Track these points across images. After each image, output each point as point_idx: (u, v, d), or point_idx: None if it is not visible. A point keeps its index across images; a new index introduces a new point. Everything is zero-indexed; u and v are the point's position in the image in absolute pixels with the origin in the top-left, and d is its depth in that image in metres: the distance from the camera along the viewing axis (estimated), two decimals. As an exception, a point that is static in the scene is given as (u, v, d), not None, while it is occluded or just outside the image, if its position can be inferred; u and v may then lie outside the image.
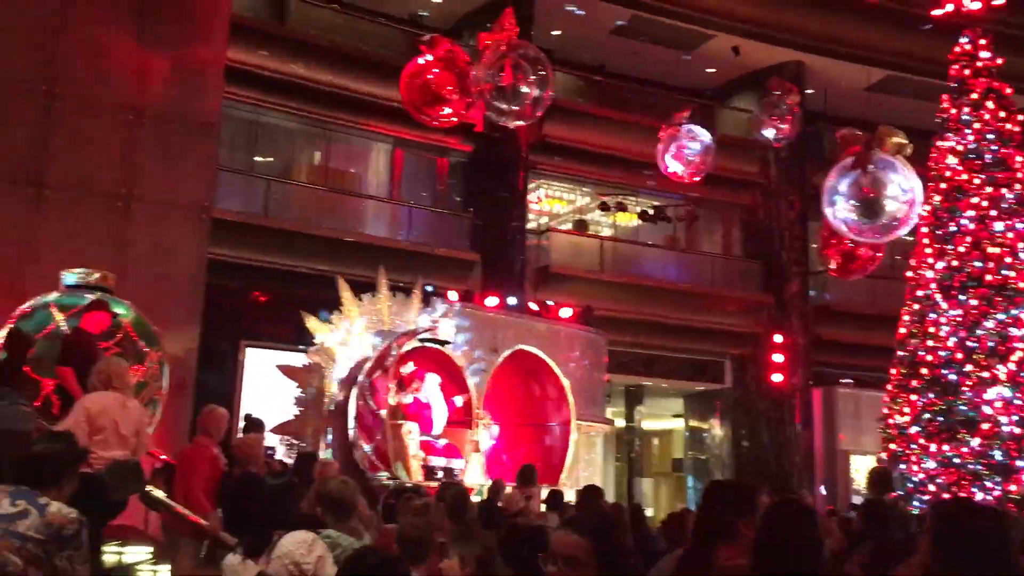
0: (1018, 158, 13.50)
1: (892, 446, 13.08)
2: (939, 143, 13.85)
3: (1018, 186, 13.32)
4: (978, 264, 12.94)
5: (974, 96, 13.77)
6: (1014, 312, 12.69)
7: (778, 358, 20.22)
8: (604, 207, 20.65)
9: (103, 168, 9.98)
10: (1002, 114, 13.65)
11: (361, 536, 4.69)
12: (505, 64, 8.97)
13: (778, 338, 20.35)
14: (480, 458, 11.58)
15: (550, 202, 21.64)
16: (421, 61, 9.67)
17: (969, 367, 12.53)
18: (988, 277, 12.85)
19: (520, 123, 9.73)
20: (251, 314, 16.75)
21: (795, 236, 21.30)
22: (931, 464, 12.53)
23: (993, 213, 13.12)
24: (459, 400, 11.71)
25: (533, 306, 15.30)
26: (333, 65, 17.28)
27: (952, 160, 13.56)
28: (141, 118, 10.17)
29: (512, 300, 15.02)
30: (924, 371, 12.90)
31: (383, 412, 10.34)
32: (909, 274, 13.84)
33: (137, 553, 8.14)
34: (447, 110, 9.73)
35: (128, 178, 10.04)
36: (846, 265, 11.31)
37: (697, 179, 12.22)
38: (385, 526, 5.50)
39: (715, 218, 22.76)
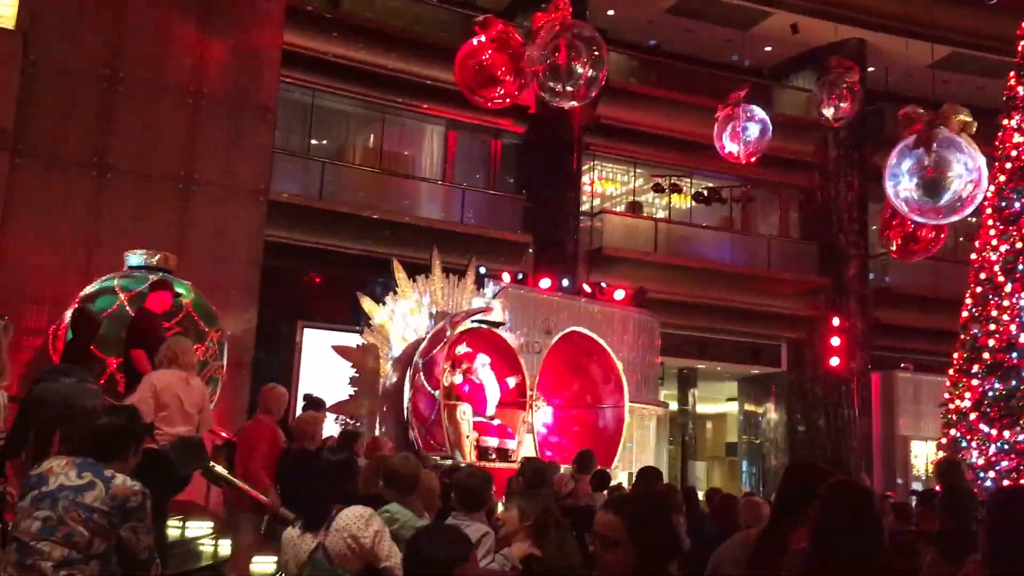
0: (1087, 137, 13.06)
1: (952, 431, 12.82)
2: (1005, 122, 13.46)
3: (1087, 165, 12.89)
4: (1044, 245, 12.57)
5: (1042, 73, 13.35)
6: (1080, 295, 12.31)
7: (835, 342, 19.93)
8: (658, 188, 20.48)
9: (164, 151, 10.18)
10: (1071, 92, 13.21)
11: (421, 513, 4.70)
12: (559, 44, 8.87)
13: (835, 322, 20.04)
14: (533, 439, 11.61)
15: (604, 184, 21.52)
16: (475, 42, 9.65)
17: (1032, 351, 12.20)
18: (1055, 259, 12.49)
19: (574, 104, 9.61)
20: (307, 295, 16.99)
21: (853, 218, 20.93)
22: (992, 449, 12.25)
23: (1061, 193, 12.74)
24: (512, 381, 11.74)
25: (586, 288, 15.27)
26: (387, 48, 17.38)
27: (1018, 139, 13.16)
28: (200, 102, 10.35)
29: (565, 282, 15.01)
30: (986, 355, 12.57)
31: (437, 392, 10.41)
32: (973, 256, 13.50)
33: (199, 527, 8.36)
34: (501, 91, 9.71)
35: (188, 161, 10.24)
36: (907, 246, 11.03)
37: (754, 160, 12.03)
38: None
39: (771, 199, 22.47)
